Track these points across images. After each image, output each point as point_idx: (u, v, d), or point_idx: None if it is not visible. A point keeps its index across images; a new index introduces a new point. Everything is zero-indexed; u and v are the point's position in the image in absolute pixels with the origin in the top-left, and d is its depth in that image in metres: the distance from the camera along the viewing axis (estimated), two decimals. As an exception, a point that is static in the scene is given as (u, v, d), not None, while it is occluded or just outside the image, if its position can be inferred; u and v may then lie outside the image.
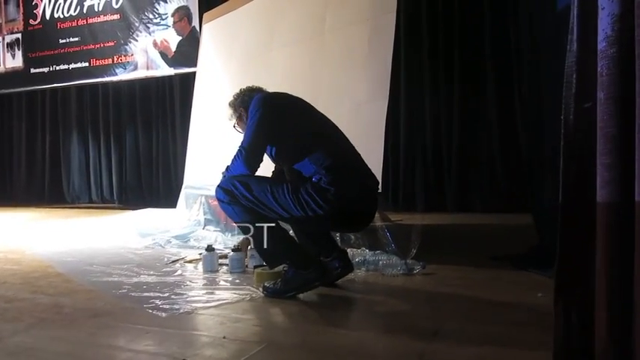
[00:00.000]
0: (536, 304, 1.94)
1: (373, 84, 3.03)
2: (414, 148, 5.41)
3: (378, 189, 2.34)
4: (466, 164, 5.21)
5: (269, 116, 2.21)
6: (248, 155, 2.17)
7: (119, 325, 1.86)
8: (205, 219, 4.14)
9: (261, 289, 2.24)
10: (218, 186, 2.20)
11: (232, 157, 2.22)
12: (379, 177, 2.78)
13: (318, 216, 2.07)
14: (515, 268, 2.54)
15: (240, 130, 2.47)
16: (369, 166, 2.31)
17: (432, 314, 1.92)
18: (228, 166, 2.24)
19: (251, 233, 2.16)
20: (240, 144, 2.21)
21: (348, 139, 2.33)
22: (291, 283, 2.13)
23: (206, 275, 2.65)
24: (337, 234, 2.95)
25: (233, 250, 2.71)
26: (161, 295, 2.24)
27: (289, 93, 2.45)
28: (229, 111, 2.49)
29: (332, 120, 2.39)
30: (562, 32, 1.33)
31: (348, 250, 2.74)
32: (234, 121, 2.48)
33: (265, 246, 2.20)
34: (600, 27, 1.09)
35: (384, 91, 2.90)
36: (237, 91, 2.50)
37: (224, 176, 2.24)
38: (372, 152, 2.79)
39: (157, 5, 6.52)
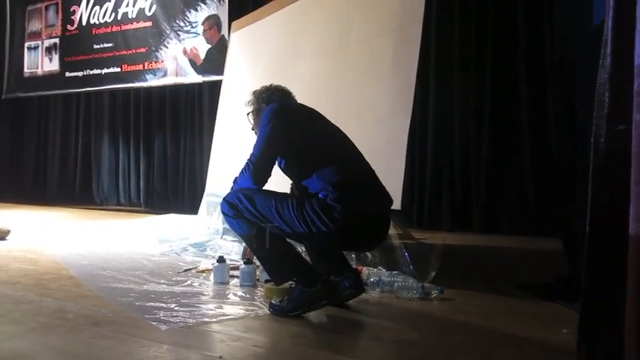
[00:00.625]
0: (560, 341, 1.79)
1: (396, 98, 2.93)
2: (441, 164, 5.26)
3: (391, 207, 2.21)
4: (495, 183, 5.03)
5: (279, 130, 2.13)
6: (256, 170, 2.10)
7: (117, 335, 1.81)
8: (224, 228, 4.09)
9: (268, 305, 2.15)
10: (224, 199, 2.14)
11: (241, 169, 2.15)
12: (399, 195, 2.69)
13: (324, 234, 1.98)
14: (541, 298, 2.39)
15: (252, 121, 2.40)
16: (387, 183, 2.21)
17: (443, 347, 1.79)
18: (236, 178, 2.17)
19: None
20: (248, 157, 2.14)
21: (361, 155, 2.24)
22: (297, 302, 2.03)
23: (215, 287, 2.58)
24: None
25: (245, 263, 2.64)
26: (166, 305, 2.19)
27: (305, 105, 2.37)
28: (250, 98, 2.42)
29: (352, 133, 2.30)
30: (599, 46, 1.22)
31: (364, 269, 2.65)
32: (250, 109, 2.40)
33: (270, 262, 2.11)
34: (637, 40, 0.98)
35: (407, 106, 2.80)
36: (268, 84, 2.43)
37: (232, 188, 2.17)
38: (392, 169, 2.69)
39: (187, 13, 6.57)
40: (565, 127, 2.82)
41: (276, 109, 2.19)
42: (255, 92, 2.42)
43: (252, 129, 2.43)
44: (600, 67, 1.10)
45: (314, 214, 1.97)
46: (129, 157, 7.43)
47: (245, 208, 2.06)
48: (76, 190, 7.86)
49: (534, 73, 4.80)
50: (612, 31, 1.09)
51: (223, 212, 2.14)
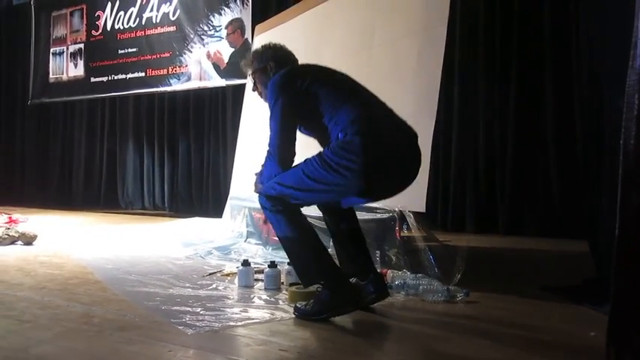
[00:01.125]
0: (588, 344, 1.76)
1: (421, 99, 2.90)
2: (465, 165, 5.21)
3: (417, 139, 2.12)
4: (520, 184, 4.96)
5: (287, 104, 2.10)
6: (279, 155, 2.09)
7: (143, 340, 1.82)
8: (248, 231, 4.11)
9: (293, 309, 2.15)
10: (259, 195, 2.15)
11: (264, 161, 2.16)
12: (424, 197, 2.67)
13: (354, 174, 1.94)
14: (568, 301, 2.35)
15: (256, 79, 2.35)
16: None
17: (467, 351, 1.77)
18: (261, 171, 2.18)
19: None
20: (268, 146, 2.13)
21: (376, 96, 2.19)
22: (323, 306, 2.03)
23: (240, 291, 2.59)
24: (377, 253, 2.84)
25: (269, 266, 2.64)
26: (191, 309, 2.20)
27: (306, 63, 2.35)
28: (253, 56, 2.36)
29: None
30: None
31: (389, 272, 2.63)
32: (253, 69, 2.34)
33: (301, 262, 2.12)
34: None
35: (432, 107, 2.77)
36: (269, 43, 2.38)
37: (258, 180, 2.19)
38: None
39: (211, 17, 6.59)
40: (591, 127, 2.76)
41: (281, 84, 2.13)
42: (257, 51, 2.37)
43: (253, 90, 2.40)
44: (630, 68, 1.07)
45: (336, 157, 1.95)
46: (153, 162, 7.49)
47: (280, 192, 2.06)
48: (101, 194, 7.95)
49: (560, 73, 4.73)
50: (642, 31, 1.07)
51: (263, 206, 2.13)
